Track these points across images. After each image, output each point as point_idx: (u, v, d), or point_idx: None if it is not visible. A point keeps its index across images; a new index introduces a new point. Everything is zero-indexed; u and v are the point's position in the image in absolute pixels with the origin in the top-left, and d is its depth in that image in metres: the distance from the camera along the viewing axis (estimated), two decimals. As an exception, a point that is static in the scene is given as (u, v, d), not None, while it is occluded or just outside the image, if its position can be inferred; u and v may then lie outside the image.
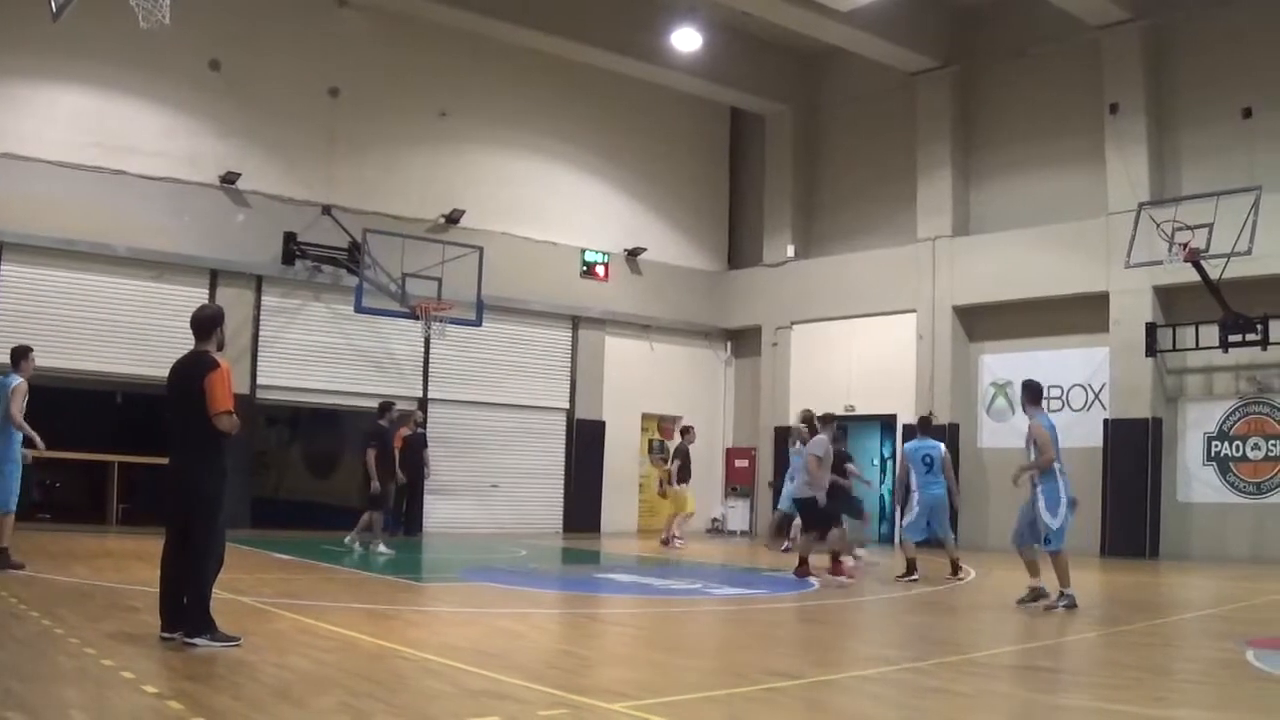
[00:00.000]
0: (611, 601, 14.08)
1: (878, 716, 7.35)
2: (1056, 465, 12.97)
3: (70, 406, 23.23)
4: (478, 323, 24.35)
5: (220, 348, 9.20)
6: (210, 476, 8.77)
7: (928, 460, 16.78)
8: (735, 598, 14.35)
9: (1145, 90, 23.49)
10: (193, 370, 8.81)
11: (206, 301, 22.16)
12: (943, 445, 17.45)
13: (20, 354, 14.12)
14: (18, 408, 13.57)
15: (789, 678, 8.27)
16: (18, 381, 13.75)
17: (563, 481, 27.56)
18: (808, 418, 18.45)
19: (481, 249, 24.21)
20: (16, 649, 7.99)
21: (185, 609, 8.54)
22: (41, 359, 21.17)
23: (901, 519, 17.60)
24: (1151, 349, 22.72)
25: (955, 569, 16.94)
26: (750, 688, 7.89)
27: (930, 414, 19.45)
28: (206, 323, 9.09)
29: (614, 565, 18.84)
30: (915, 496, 16.77)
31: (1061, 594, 12.86)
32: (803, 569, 15.92)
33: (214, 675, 7.42)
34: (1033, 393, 13.54)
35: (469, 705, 7.02)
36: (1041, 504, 12.91)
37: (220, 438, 8.77)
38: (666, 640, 11.08)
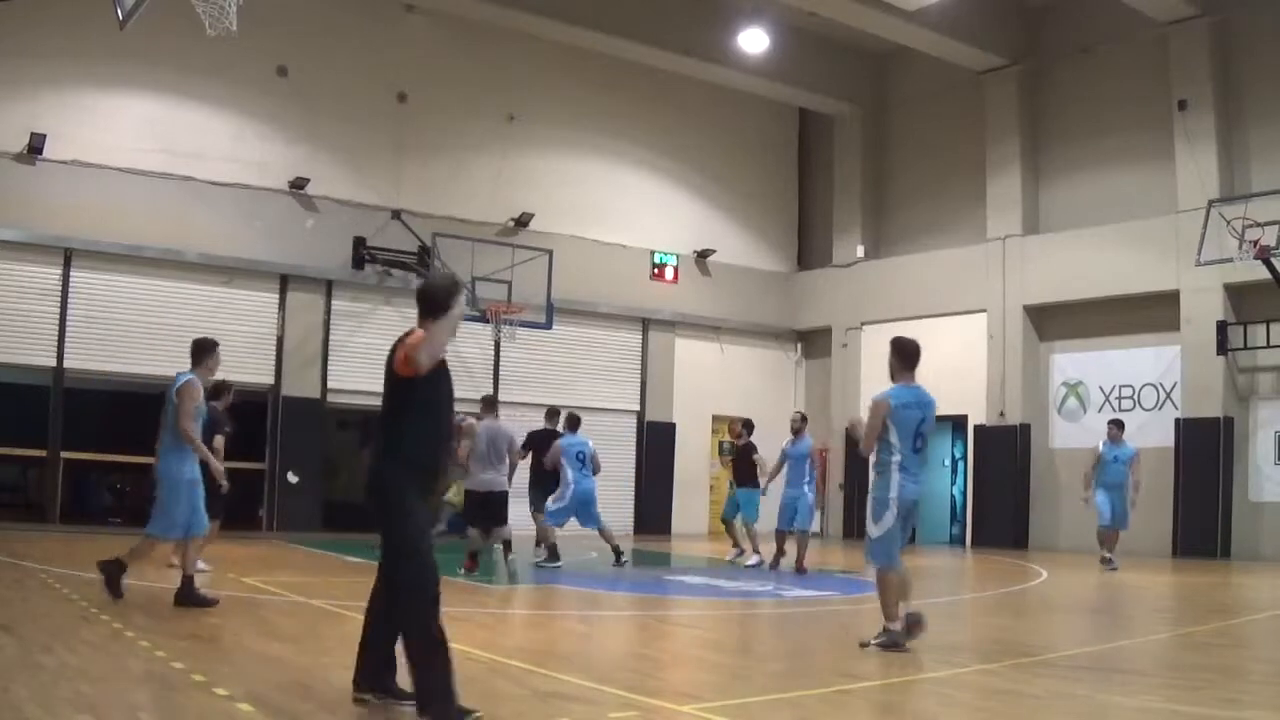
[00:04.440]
0: (682, 603, 14.00)
1: (948, 718, 7.22)
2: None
3: (140, 411, 23.45)
4: (548, 325, 24.39)
5: (452, 333, 6.81)
6: (404, 476, 6.68)
7: (580, 456, 17.43)
8: (807, 599, 14.22)
9: (1213, 86, 23.23)
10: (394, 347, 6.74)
11: (275, 305, 22.36)
12: (591, 442, 17.93)
13: (202, 349, 11.42)
14: (187, 412, 10.81)
15: (859, 679, 8.16)
16: (186, 379, 11.05)
17: (633, 484, 27.54)
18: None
19: (551, 252, 24.24)
20: (87, 652, 8.00)
21: (405, 667, 6.48)
22: (111, 364, 21.70)
23: (551, 504, 17.70)
24: (1223, 347, 22.47)
25: (617, 555, 17.64)
26: (820, 689, 7.81)
27: (573, 413, 18.63)
28: (437, 295, 6.75)
29: (685, 567, 18.76)
30: (570, 489, 17.28)
31: None
32: (474, 562, 15.36)
33: (285, 678, 7.40)
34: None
35: (539, 707, 6.96)
36: None
37: (416, 429, 6.68)
38: (736, 642, 11.00)
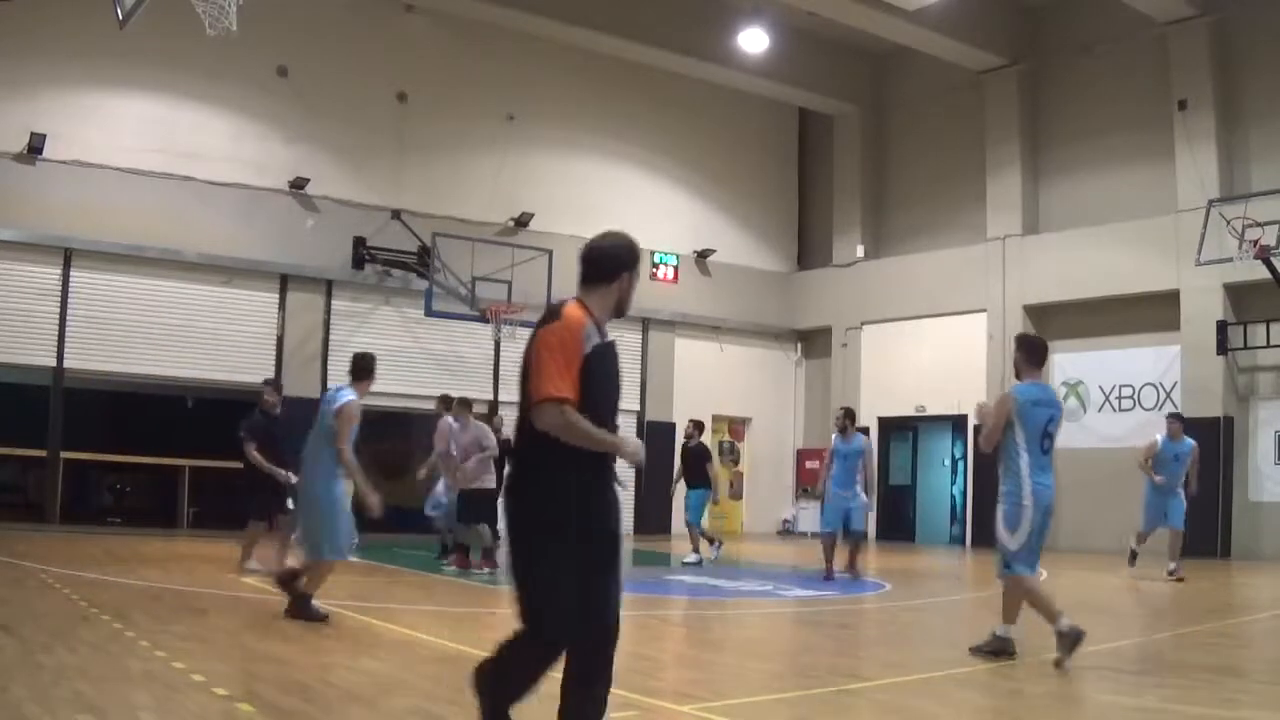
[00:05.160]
0: (681, 603, 13.99)
1: (947, 718, 7.21)
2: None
3: (140, 411, 23.48)
4: (548, 325, 24.31)
5: (620, 311, 5.30)
6: (540, 501, 5.09)
7: None
8: (806, 599, 14.21)
9: (1213, 86, 23.25)
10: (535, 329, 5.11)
11: (281, 309, 22.31)
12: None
13: (366, 368, 10.75)
14: (344, 435, 10.33)
15: (859, 679, 8.16)
16: (347, 400, 10.48)
17: (633, 484, 27.49)
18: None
19: (551, 252, 24.18)
20: (87, 652, 7.99)
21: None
22: (111, 364, 21.69)
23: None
24: (1223, 347, 22.50)
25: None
26: (820, 689, 7.80)
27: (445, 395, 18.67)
28: (601, 257, 5.26)
29: (684, 567, 18.75)
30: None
31: None
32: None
33: (285, 678, 7.38)
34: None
35: (539, 708, 6.91)
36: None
37: (551, 442, 4.95)
38: (736, 642, 10.99)
